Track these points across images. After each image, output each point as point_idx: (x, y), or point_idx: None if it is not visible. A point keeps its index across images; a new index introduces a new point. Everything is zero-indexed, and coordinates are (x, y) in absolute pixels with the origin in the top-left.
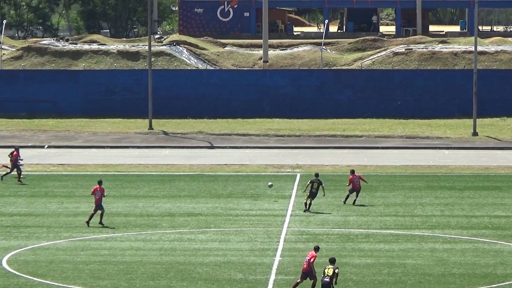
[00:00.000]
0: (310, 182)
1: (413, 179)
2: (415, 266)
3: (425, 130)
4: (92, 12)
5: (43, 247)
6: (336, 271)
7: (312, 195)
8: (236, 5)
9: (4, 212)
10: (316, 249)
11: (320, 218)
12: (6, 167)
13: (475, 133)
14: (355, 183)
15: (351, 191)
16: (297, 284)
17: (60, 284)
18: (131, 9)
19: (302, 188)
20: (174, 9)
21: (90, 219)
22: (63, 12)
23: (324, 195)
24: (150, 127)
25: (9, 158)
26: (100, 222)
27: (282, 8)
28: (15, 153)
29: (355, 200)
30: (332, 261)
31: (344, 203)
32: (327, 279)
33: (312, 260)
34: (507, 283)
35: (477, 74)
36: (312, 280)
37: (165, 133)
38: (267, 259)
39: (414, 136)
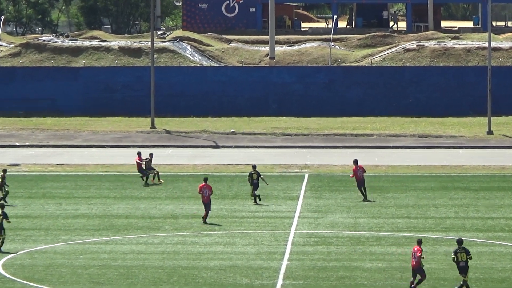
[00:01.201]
0: (249, 175)
1: (426, 179)
2: (428, 271)
3: (438, 128)
4: (93, 8)
5: (40, 250)
6: (469, 257)
7: (255, 186)
8: (241, 0)
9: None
10: (419, 242)
11: (330, 220)
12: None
13: (490, 132)
14: (358, 174)
15: (358, 185)
16: (412, 283)
17: None
18: (133, 5)
19: (310, 189)
20: (177, 4)
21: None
22: (63, 7)
23: (267, 184)
24: (152, 126)
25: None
26: (204, 222)
27: (289, 4)
28: (137, 158)
29: (365, 196)
30: (460, 242)
31: (366, 199)
32: (463, 264)
33: (419, 254)
34: None
35: (491, 71)
36: (421, 277)
37: (167, 132)
38: (274, 263)
39: (427, 135)
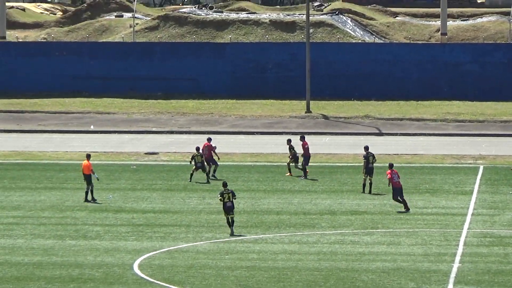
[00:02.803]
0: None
1: None
2: None
3: None
4: None
5: (181, 249)
6: None
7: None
8: None
9: (137, 208)
10: None
11: (508, 218)
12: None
13: None
14: (395, 180)
15: (397, 195)
16: None
17: None
18: None
19: (485, 183)
20: None
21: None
22: None
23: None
24: (308, 110)
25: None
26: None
27: None
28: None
29: (406, 206)
30: None
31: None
32: None
33: None
34: None
35: None
36: None
37: (325, 117)
38: (443, 265)
39: None
